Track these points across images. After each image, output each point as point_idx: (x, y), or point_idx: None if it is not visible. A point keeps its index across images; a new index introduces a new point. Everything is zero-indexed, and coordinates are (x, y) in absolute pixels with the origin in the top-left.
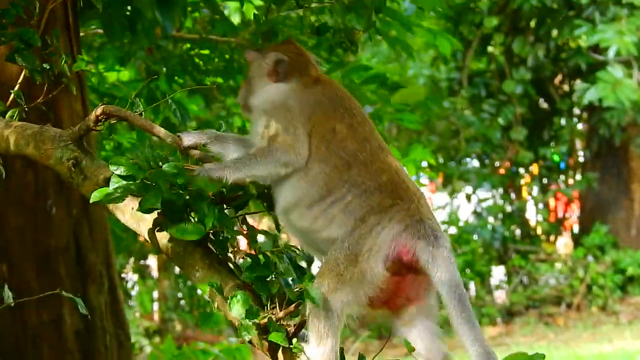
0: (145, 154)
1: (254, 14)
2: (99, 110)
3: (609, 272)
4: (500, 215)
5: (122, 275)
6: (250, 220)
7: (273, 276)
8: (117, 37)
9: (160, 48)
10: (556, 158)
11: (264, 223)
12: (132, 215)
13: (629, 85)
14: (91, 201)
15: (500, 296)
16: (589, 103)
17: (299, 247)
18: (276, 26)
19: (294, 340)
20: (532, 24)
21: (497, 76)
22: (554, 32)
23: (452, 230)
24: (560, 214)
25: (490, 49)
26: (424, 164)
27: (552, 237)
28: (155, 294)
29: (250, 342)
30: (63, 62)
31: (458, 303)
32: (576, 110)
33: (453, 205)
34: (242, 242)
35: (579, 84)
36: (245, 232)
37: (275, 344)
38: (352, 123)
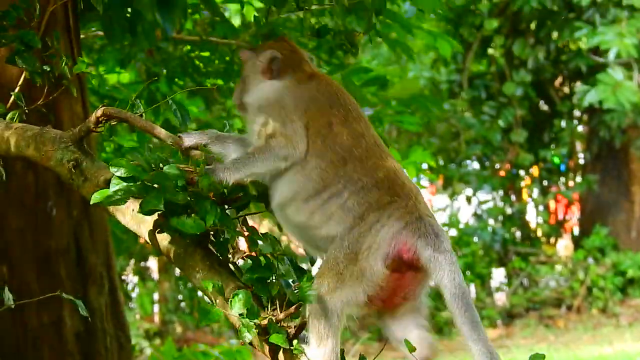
0: (145, 155)
1: (255, 16)
2: (99, 112)
3: (609, 274)
4: (500, 218)
5: (123, 277)
6: (250, 221)
7: (273, 278)
8: (117, 39)
9: (160, 50)
10: (556, 160)
11: (265, 225)
12: (132, 217)
13: (629, 87)
14: (92, 203)
15: (501, 298)
16: (589, 105)
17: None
18: (276, 28)
19: (295, 341)
20: (533, 26)
21: (497, 78)
22: (554, 34)
23: (453, 232)
24: (560, 216)
25: (490, 51)
26: (424, 166)
27: (552, 239)
28: (156, 296)
29: (250, 343)
30: (63, 64)
31: (461, 302)
32: (576, 113)
33: (453, 208)
34: (242, 243)
35: (579, 86)
36: (246, 234)
37: (276, 346)
38: (347, 118)
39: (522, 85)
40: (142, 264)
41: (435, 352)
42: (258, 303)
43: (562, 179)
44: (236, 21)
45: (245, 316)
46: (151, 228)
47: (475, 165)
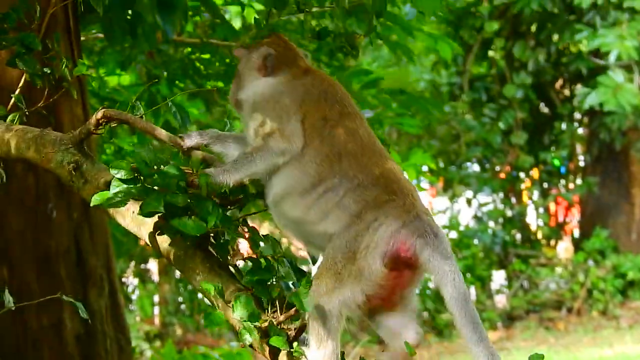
0: (144, 155)
1: (255, 18)
2: (99, 114)
3: (609, 276)
4: (500, 220)
5: (123, 279)
6: (250, 223)
7: (274, 280)
8: (117, 41)
9: (161, 52)
10: (557, 162)
11: (265, 227)
12: (132, 219)
13: (630, 89)
14: (92, 205)
15: (501, 300)
16: (590, 107)
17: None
18: (277, 30)
19: (295, 344)
20: (533, 28)
21: (497, 80)
22: (555, 37)
23: (453, 234)
24: (560, 219)
25: (491, 53)
26: (425, 168)
27: (552, 242)
28: (156, 298)
29: (251, 346)
30: (64, 66)
31: (461, 303)
32: (577, 115)
33: (453, 210)
34: (242, 245)
35: (579, 88)
36: (247, 236)
37: (276, 348)
38: (343, 113)
39: (522, 88)
40: (143, 266)
41: (421, 340)
42: (258, 305)
43: (563, 182)
44: (237, 23)
45: (247, 319)
46: (151, 230)
47: (476, 167)
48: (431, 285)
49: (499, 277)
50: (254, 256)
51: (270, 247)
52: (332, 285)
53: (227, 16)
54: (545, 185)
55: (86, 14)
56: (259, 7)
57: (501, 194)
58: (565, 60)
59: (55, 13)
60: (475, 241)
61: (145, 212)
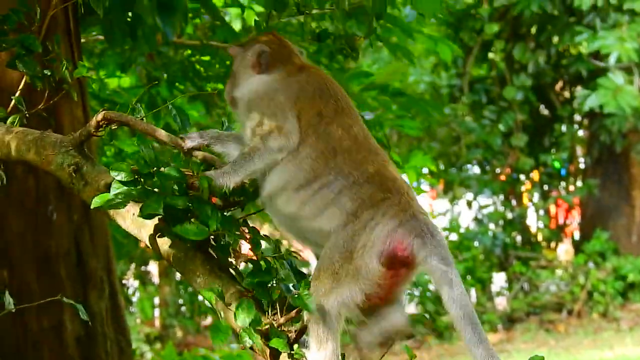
0: (144, 154)
1: (255, 20)
2: (99, 116)
3: (609, 278)
4: (501, 222)
5: (123, 281)
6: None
7: (274, 282)
8: (118, 43)
9: (161, 54)
10: (557, 165)
11: (265, 229)
12: (133, 221)
13: (630, 91)
14: (92, 207)
15: (501, 303)
16: (590, 109)
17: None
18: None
19: (295, 346)
20: (533, 30)
21: (497, 82)
22: (555, 39)
23: (453, 236)
24: (561, 221)
25: (491, 55)
26: (425, 170)
27: (552, 244)
28: (156, 300)
29: (251, 348)
30: (64, 68)
31: (460, 303)
32: (577, 117)
33: (454, 212)
34: (242, 247)
35: (579, 90)
36: (247, 237)
37: (277, 350)
38: (337, 109)
39: (522, 90)
40: (143, 268)
41: (408, 327)
42: (259, 308)
43: (563, 184)
44: (237, 25)
45: (249, 327)
46: (152, 232)
47: (476, 169)
48: (432, 287)
49: (499, 280)
50: (255, 258)
51: (271, 248)
52: (330, 285)
53: (227, 18)
54: (546, 187)
55: (86, 16)
56: (259, 9)
57: (501, 196)
58: (565, 62)
59: (55, 15)
60: (476, 243)
61: (145, 214)
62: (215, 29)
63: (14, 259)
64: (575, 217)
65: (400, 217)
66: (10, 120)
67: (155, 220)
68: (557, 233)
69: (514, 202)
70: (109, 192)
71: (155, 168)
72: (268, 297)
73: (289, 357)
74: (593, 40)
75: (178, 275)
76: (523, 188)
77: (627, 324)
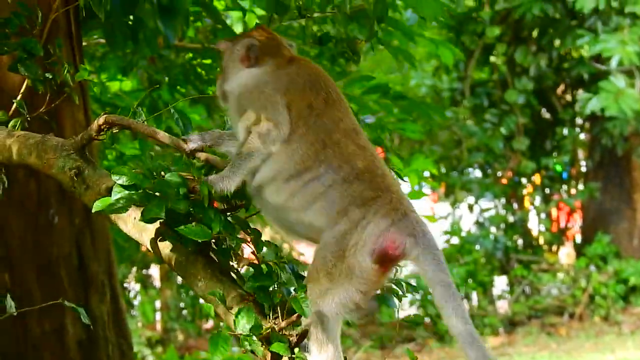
0: (147, 163)
1: (256, 23)
2: (101, 120)
3: (611, 282)
4: (502, 225)
5: (125, 284)
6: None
7: (275, 286)
8: (119, 47)
9: (162, 57)
10: (558, 168)
11: (266, 233)
12: (134, 225)
13: (632, 95)
14: (93, 211)
15: (503, 306)
16: (592, 113)
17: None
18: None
19: (296, 350)
20: (535, 33)
21: (499, 86)
22: (557, 42)
23: (455, 240)
24: (562, 224)
25: (492, 58)
26: (426, 173)
27: (554, 247)
28: (158, 304)
29: (252, 351)
30: (65, 71)
31: (452, 301)
32: (578, 120)
33: (455, 216)
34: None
35: (581, 93)
36: (249, 240)
37: (278, 354)
38: (328, 101)
39: (524, 93)
40: (144, 271)
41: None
42: (260, 312)
43: (564, 187)
44: (238, 29)
45: (249, 333)
46: (153, 236)
47: (477, 173)
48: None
49: (500, 283)
50: (256, 262)
51: (272, 252)
52: (325, 286)
53: (228, 21)
54: (547, 190)
55: (88, 20)
56: (261, 12)
57: (503, 200)
58: (566, 66)
59: (57, 18)
60: (477, 247)
61: (146, 219)
62: (216, 32)
63: (16, 262)
64: (577, 221)
65: (392, 216)
66: (11, 123)
67: (157, 224)
68: (558, 236)
69: (515, 206)
70: (110, 195)
71: (156, 177)
72: (269, 301)
73: None
74: (595, 43)
75: (179, 279)
76: (524, 191)
77: (629, 328)
